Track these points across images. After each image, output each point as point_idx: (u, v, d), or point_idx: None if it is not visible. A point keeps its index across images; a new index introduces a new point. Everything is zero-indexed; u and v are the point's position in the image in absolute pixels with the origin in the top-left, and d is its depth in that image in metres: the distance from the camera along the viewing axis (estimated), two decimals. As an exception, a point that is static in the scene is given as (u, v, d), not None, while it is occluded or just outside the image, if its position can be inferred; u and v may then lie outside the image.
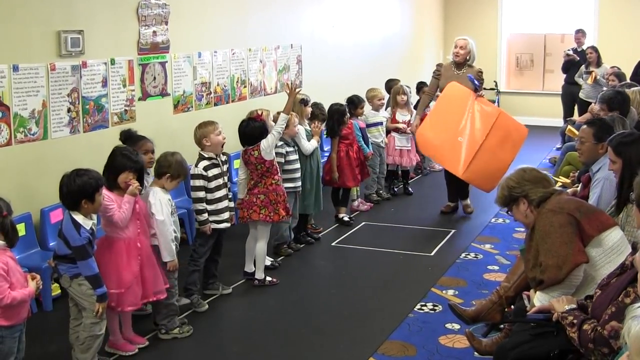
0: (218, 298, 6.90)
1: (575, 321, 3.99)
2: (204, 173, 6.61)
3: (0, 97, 6.68)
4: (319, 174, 8.53)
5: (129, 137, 6.54)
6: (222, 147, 6.82)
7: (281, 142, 7.88)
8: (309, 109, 8.51)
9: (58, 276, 5.44)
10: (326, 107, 9.05)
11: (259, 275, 7.33)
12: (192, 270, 6.72)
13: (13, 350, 4.84)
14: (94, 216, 5.42)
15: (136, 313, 6.08)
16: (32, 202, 6.89)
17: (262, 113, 7.42)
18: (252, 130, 7.25)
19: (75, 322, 5.47)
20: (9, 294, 4.68)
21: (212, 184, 6.66)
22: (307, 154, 8.21)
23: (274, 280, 7.34)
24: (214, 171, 6.67)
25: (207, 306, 6.73)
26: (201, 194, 6.62)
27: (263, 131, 7.23)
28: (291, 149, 8.03)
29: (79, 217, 5.22)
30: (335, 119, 9.16)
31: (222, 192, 6.76)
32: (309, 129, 8.48)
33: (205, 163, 6.64)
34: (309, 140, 8.28)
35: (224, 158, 6.84)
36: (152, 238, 5.98)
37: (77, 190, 5.19)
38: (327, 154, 9.60)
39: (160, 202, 5.96)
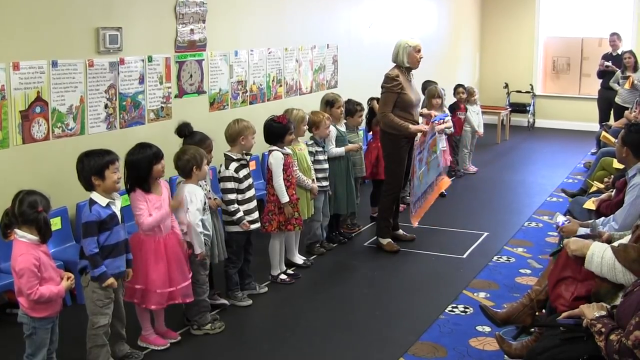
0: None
1: (603, 329, 3.97)
2: (236, 175, 6.63)
3: (39, 92, 6.77)
4: (350, 175, 8.50)
5: (190, 133, 6.49)
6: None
7: (311, 142, 7.98)
8: (339, 110, 8.52)
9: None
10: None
11: (273, 272, 7.41)
12: (232, 274, 6.79)
13: (46, 342, 4.94)
14: (117, 195, 5.42)
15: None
16: (68, 197, 6.94)
17: (285, 115, 7.39)
18: (269, 129, 7.24)
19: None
20: (37, 290, 4.77)
21: (244, 185, 6.69)
22: (329, 156, 8.19)
23: (287, 279, 7.39)
24: (244, 172, 6.69)
25: (251, 301, 6.82)
26: (232, 196, 6.63)
27: (279, 135, 7.20)
28: (320, 149, 8.06)
29: (94, 196, 5.27)
30: (373, 113, 9.37)
31: (252, 192, 6.79)
32: (344, 130, 8.51)
33: (235, 165, 6.64)
34: (338, 145, 8.33)
35: (248, 158, 6.84)
36: (185, 235, 6.03)
37: (85, 169, 5.26)
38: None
39: (195, 194, 5.98)
